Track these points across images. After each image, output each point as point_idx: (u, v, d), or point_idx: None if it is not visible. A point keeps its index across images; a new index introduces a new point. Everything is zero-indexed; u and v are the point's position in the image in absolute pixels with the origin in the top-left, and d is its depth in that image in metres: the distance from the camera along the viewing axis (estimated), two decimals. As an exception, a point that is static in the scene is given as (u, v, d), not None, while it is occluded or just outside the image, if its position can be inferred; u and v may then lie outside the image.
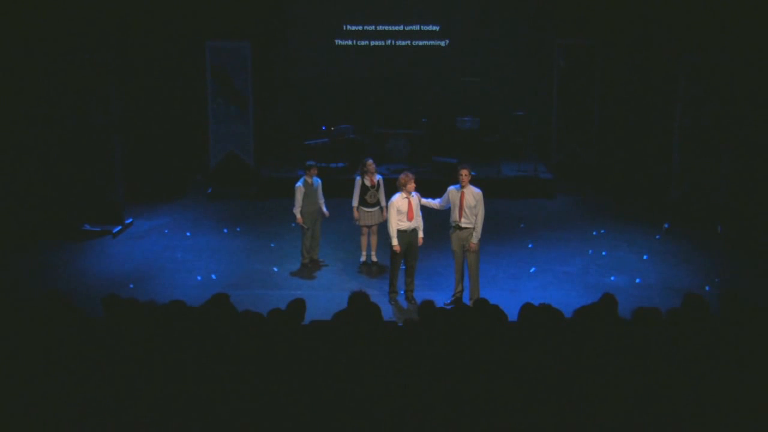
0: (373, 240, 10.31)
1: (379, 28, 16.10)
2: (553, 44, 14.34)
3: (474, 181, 9.08)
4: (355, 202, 10.09)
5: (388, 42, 16.14)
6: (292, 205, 10.11)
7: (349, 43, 16.17)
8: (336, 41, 16.14)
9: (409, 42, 16.14)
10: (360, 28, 16.11)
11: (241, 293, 9.03)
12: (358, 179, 10.08)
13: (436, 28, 16.08)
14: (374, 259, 10.37)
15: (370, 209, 10.05)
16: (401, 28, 16.07)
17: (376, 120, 15.43)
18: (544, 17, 15.36)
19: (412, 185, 8.97)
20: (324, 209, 10.25)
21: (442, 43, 16.12)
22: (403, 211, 8.96)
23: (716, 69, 11.57)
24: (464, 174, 8.82)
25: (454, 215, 8.93)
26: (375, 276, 10.04)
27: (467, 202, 8.80)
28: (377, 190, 10.03)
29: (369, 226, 10.17)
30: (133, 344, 5.24)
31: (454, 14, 15.97)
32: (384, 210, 9.83)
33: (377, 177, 10.07)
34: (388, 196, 9.43)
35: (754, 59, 11.71)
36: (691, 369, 4.90)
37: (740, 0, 12.08)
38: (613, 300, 6.03)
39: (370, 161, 10.09)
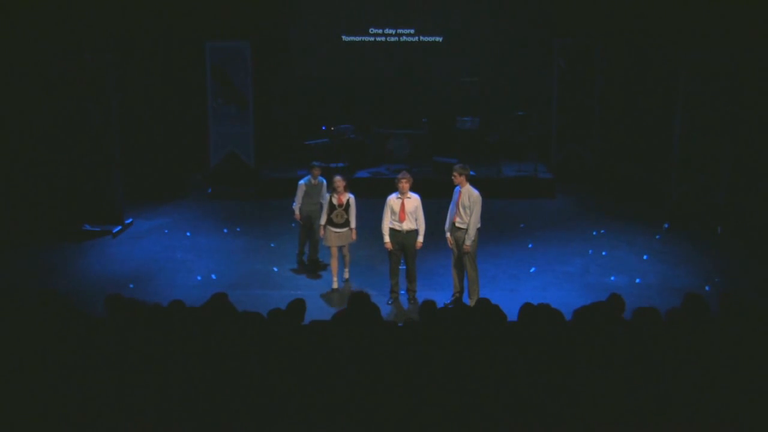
0: (347, 258, 9.77)
1: (380, 28, 16.10)
2: (553, 44, 14.35)
3: (474, 181, 9.07)
4: (322, 221, 9.48)
5: (389, 41, 16.13)
6: (293, 201, 10.15)
7: (350, 42, 16.15)
8: (336, 41, 16.13)
9: (409, 41, 16.13)
10: (360, 28, 16.10)
11: (241, 293, 9.04)
12: (327, 196, 9.51)
13: (436, 28, 16.07)
14: (346, 276, 9.82)
15: (337, 230, 9.37)
16: (402, 28, 16.07)
17: (376, 120, 15.44)
18: (544, 17, 15.36)
19: (402, 185, 8.90)
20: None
21: (442, 43, 16.10)
22: (395, 211, 8.94)
23: (716, 68, 11.56)
24: (454, 175, 8.81)
25: (452, 214, 8.94)
26: (375, 276, 10.02)
27: (462, 201, 8.77)
28: (346, 209, 9.37)
29: (338, 248, 9.54)
30: (134, 344, 5.24)
31: (454, 14, 15.96)
32: (353, 231, 9.46)
33: (349, 195, 9.41)
34: (380, 200, 9.28)
35: (754, 58, 11.71)
36: (691, 369, 4.90)
37: None
38: (620, 301, 6.02)
39: (338, 178, 9.36)
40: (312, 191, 10.07)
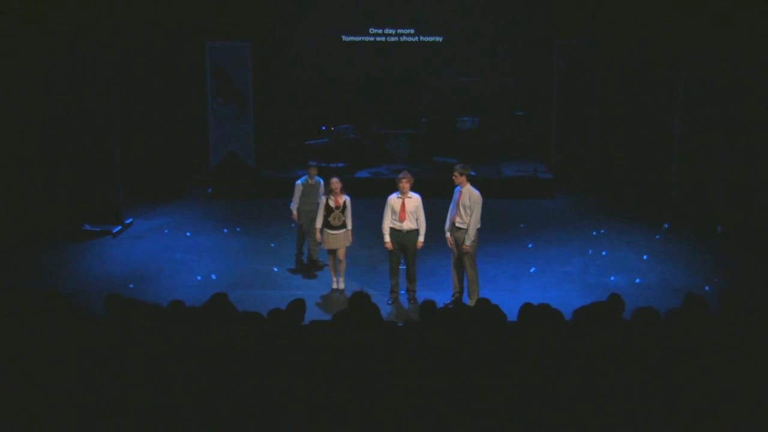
0: (342, 265, 9.48)
1: (380, 28, 16.10)
2: (553, 44, 14.34)
3: (474, 181, 9.07)
4: (318, 224, 9.41)
5: (389, 41, 16.12)
6: (291, 201, 10.14)
7: (350, 42, 16.14)
8: (336, 41, 16.12)
9: (409, 41, 16.12)
10: (360, 28, 16.09)
11: (241, 293, 9.04)
12: (323, 198, 9.44)
13: (436, 28, 16.07)
14: (342, 286, 9.50)
15: (334, 232, 9.27)
16: (402, 28, 16.06)
17: (376, 120, 15.44)
18: (544, 17, 15.36)
19: (402, 184, 8.89)
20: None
21: (442, 43, 16.10)
22: (396, 210, 8.94)
23: (716, 68, 11.57)
24: (455, 175, 8.80)
25: (452, 214, 8.94)
26: (375, 276, 10.02)
27: (462, 201, 8.77)
28: (343, 211, 9.28)
29: (334, 251, 9.45)
30: (134, 344, 5.24)
31: (454, 14, 15.96)
32: (350, 232, 9.41)
33: (345, 197, 9.30)
34: (381, 200, 9.24)
35: (754, 58, 11.71)
36: (691, 369, 4.90)
37: None
38: (620, 301, 6.03)
39: (335, 180, 9.28)
40: (309, 191, 10.05)
